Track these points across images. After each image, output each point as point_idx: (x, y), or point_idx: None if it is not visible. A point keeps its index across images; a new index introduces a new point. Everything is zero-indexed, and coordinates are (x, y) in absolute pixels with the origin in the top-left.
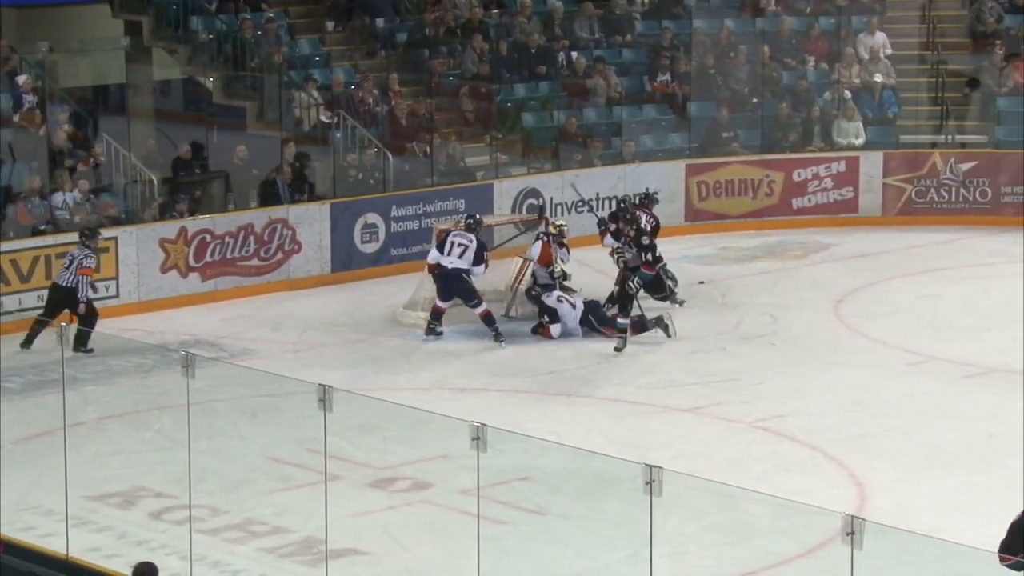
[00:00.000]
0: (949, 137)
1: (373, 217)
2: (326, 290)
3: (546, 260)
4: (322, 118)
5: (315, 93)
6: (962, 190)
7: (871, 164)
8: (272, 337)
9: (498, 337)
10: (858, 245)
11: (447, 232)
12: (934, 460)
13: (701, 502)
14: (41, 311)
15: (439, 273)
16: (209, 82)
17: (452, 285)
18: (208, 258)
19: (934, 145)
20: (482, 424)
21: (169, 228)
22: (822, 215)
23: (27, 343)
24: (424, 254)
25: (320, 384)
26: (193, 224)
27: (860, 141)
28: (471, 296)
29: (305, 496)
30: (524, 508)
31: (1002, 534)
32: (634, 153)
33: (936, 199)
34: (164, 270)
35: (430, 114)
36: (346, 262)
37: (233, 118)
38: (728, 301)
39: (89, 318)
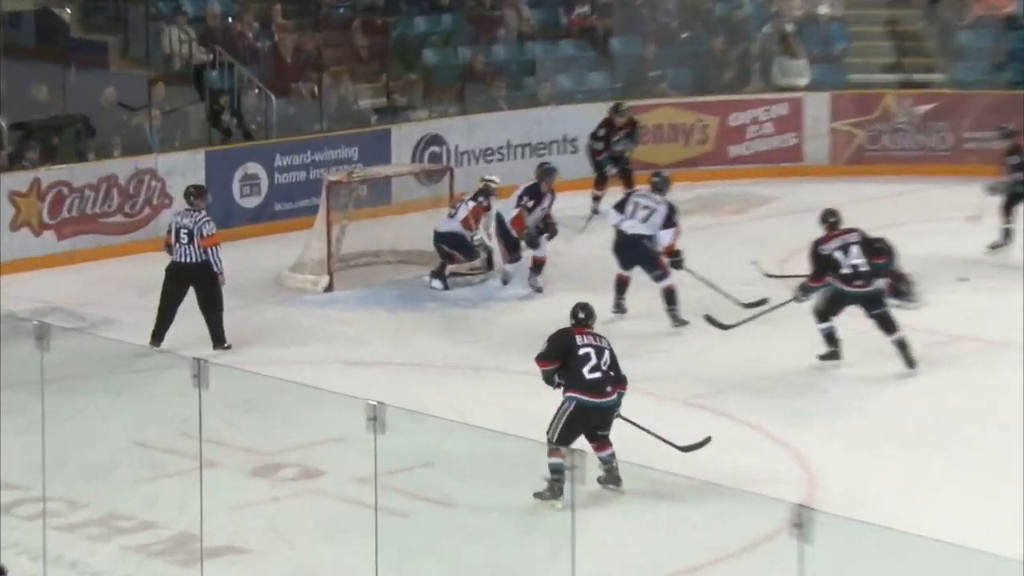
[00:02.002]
0: (905, 76)
1: (254, 167)
2: None
3: (467, 224)
4: (196, 55)
5: (187, 27)
6: (919, 135)
7: (817, 106)
8: (139, 304)
9: (677, 321)
10: (804, 198)
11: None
12: (894, 439)
13: (629, 490)
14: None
15: (618, 239)
16: (66, 13)
17: (631, 252)
18: (65, 214)
19: (887, 85)
20: (379, 403)
21: (20, 179)
22: (763, 164)
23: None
24: (313, 209)
25: (194, 358)
26: (47, 175)
27: (804, 81)
28: (654, 265)
29: (177, 486)
30: (428, 498)
31: (969, 520)
32: (550, 95)
33: (890, 146)
34: (15, 228)
35: (318, 50)
36: (224, 218)
37: (94, 54)
38: None
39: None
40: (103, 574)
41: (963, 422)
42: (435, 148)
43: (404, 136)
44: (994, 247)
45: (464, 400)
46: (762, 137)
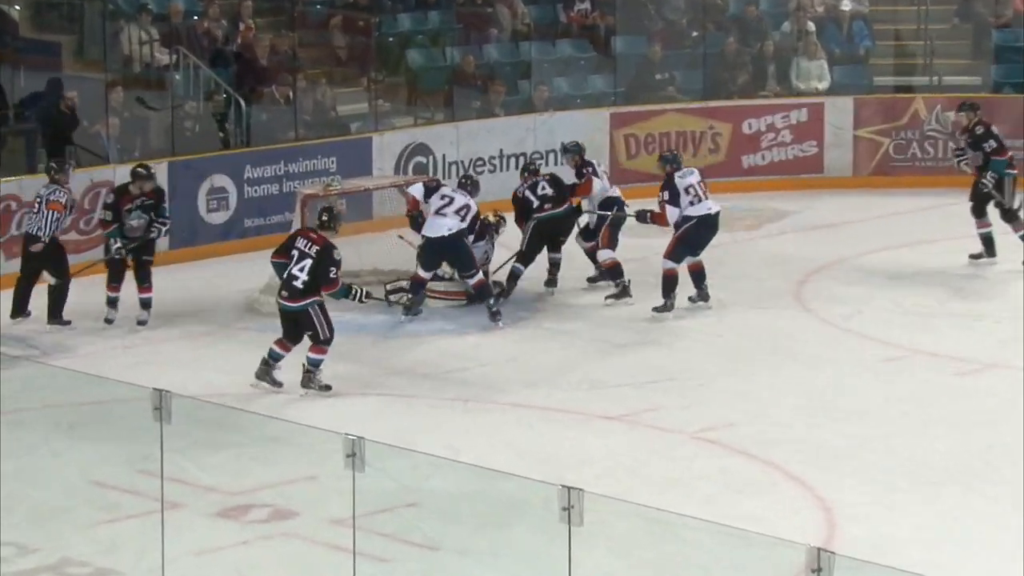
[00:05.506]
0: (935, 79)
1: (222, 180)
2: (164, 271)
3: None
4: (157, 56)
5: (149, 26)
6: (951, 143)
7: (839, 112)
8: (96, 329)
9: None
10: (824, 213)
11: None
12: (919, 478)
13: (631, 531)
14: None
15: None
16: (15, 10)
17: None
18: (13, 231)
19: (916, 89)
20: (359, 437)
21: None
22: (779, 175)
23: (20, 311)
24: (286, 225)
25: (155, 389)
26: None
27: (825, 84)
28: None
29: (137, 529)
30: (412, 542)
31: (999, 566)
32: (546, 100)
33: (919, 155)
34: None
35: (293, 51)
36: (188, 236)
37: (45, 55)
38: None
39: (56, 263)
40: None
41: (995, 459)
42: (420, 158)
43: (386, 145)
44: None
45: (453, 434)
46: (779, 146)
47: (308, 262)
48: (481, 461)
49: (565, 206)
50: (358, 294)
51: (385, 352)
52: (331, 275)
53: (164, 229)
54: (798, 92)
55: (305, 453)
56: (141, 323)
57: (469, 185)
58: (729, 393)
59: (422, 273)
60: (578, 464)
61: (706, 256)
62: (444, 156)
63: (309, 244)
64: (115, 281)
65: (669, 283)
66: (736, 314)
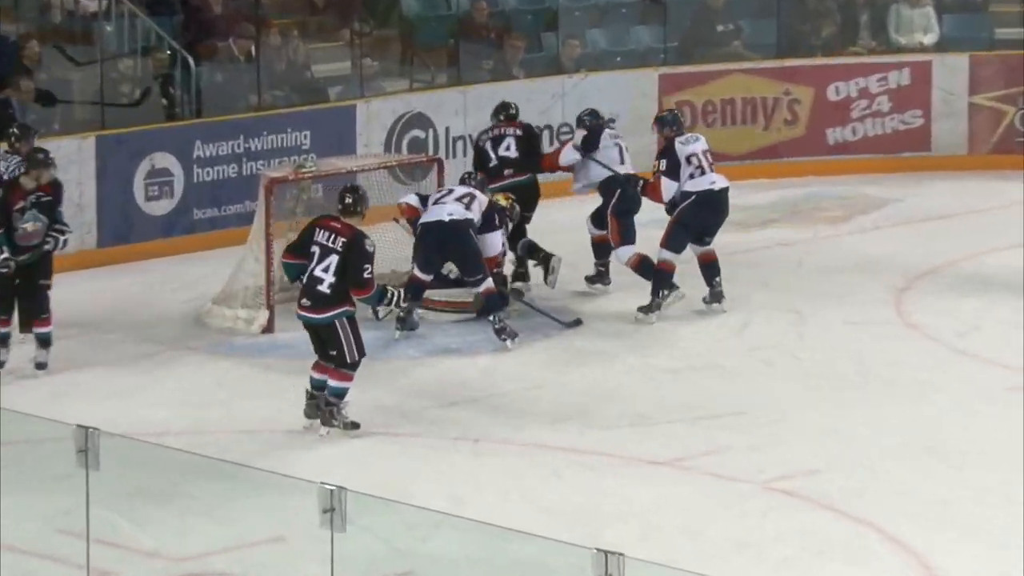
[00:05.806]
0: None
1: (165, 159)
2: (90, 275)
3: None
4: (83, 2)
5: None
6: None
7: (950, 74)
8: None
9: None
10: (932, 201)
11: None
12: None
13: None
14: None
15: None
16: None
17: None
18: None
19: None
20: (339, 487)
21: None
22: (875, 154)
23: None
24: (246, 217)
25: (80, 426)
26: None
27: (932, 38)
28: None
29: None
30: None
31: None
32: (578, 58)
33: None
34: None
35: None
36: (122, 230)
37: None
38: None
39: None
40: None
41: None
42: (418, 132)
43: (375, 115)
44: None
45: (457, 483)
46: (874, 116)
47: (334, 259)
48: (493, 517)
49: (527, 175)
50: (395, 297)
51: (373, 378)
52: (365, 274)
53: (63, 239)
54: (898, 48)
55: (271, 507)
56: (40, 367)
57: (473, 182)
58: (810, 431)
59: (420, 274)
60: (617, 521)
61: (778, 256)
62: (447, 129)
63: (332, 236)
64: (3, 312)
65: (661, 278)
66: (819, 330)
